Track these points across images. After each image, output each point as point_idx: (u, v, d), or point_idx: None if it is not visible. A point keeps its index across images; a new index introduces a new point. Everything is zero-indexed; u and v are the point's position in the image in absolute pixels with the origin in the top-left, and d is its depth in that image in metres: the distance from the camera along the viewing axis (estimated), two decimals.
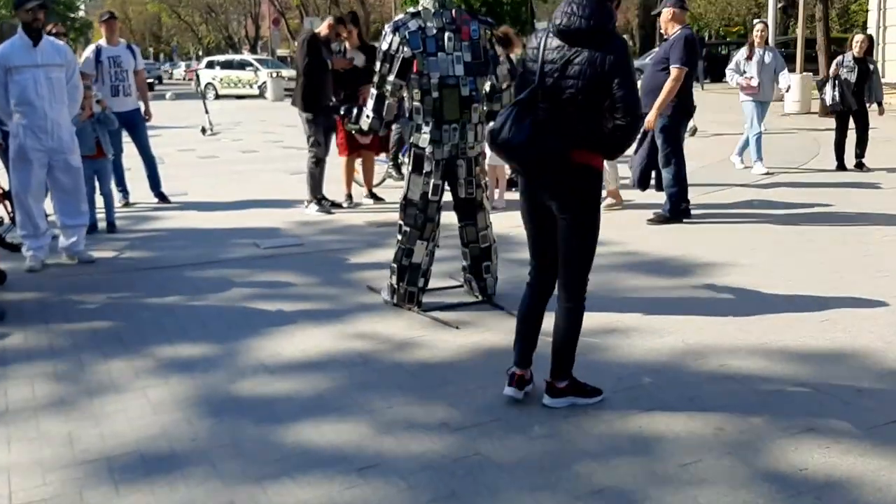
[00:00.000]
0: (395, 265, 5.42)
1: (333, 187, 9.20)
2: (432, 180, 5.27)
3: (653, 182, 8.25)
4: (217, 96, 34.35)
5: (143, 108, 9.62)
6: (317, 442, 3.62)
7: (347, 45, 9.06)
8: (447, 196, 5.40)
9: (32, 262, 6.57)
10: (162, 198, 9.67)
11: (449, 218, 5.56)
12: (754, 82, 10.64)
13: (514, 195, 9.17)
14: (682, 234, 7.42)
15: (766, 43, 11.12)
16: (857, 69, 10.73)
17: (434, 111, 5.16)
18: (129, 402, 4.07)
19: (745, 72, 10.74)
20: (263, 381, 4.30)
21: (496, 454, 3.47)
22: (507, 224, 7.26)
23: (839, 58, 11.19)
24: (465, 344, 4.77)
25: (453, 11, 5.22)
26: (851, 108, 10.75)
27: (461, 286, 5.84)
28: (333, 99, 8.60)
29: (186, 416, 3.91)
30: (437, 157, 5.24)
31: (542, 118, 3.62)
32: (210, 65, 37.32)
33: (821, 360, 4.43)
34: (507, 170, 9.40)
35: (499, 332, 4.95)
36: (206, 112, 18.27)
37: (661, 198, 8.08)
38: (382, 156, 10.25)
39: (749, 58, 10.76)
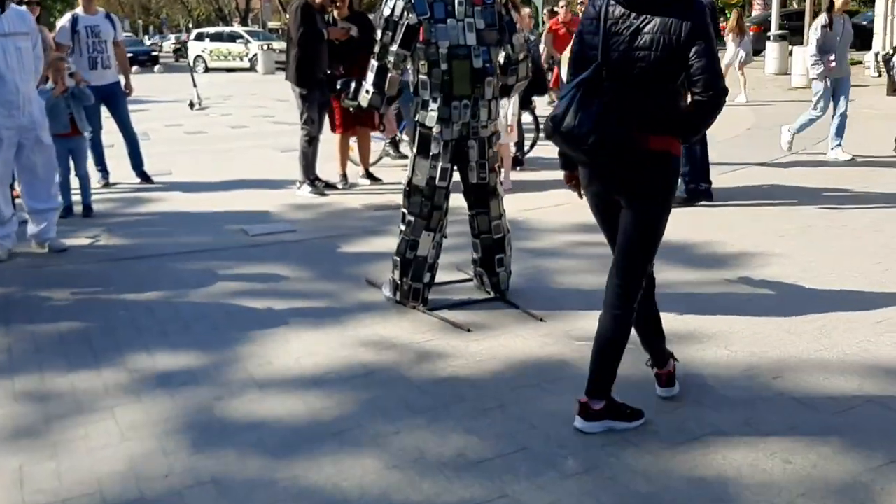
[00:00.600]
0: (397, 258, 4.85)
1: (327, 166, 8.61)
2: (440, 163, 4.69)
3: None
4: (206, 69, 33.59)
5: (123, 82, 9.00)
6: (313, 480, 3.06)
7: (336, 14, 8.42)
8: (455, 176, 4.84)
9: None
10: (144, 178, 9.05)
11: (456, 201, 4.97)
12: (832, 60, 9.04)
13: (520, 175, 8.71)
14: (701, 218, 6.82)
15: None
16: None
17: (443, 85, 4.57)
18: (95, 425, 3.51)
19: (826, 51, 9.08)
20: (252, 398, 3.74)
21: (525, 496, 2.92)
22: (517, 207, 6.71)
23: None
24: (479, 351, 4.22)
25: None
26: None
27: (470, 280, 5.28)
28: (328, 71, 7.98)
29: (160, 444, 3.34)
30: (445, 137, 4.66)
31: (609, 99, 3.10)
32: (199, 37, 36.47)
33: (887, 371, 3.88)
34: (512, 147, 8.82)
35: (516, 335, 4.40)
36: (195, 86, 17.55)
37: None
38: (378, 132, 9.64)
39: (829, 26, 9.04)
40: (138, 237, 6.69)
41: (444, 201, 4.80)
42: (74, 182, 7.47)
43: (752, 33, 20.18)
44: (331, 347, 4.29)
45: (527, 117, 9.56)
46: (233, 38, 35.78)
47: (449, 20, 4.55)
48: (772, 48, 22.38)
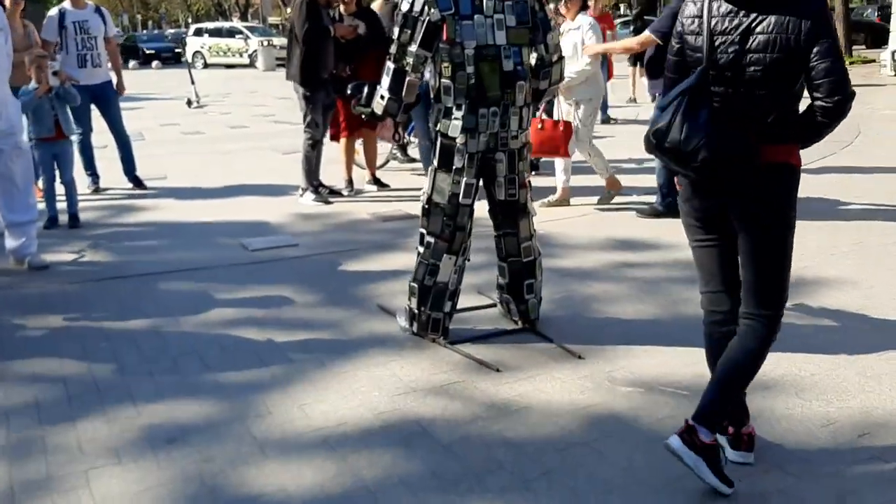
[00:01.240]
0: (415, 285, 4.29)
1: (332, 168, 8.05)
2: (464, 178, 4.14)
3: None
4: (206, 65, 33.02)
5: (115, 81, 8.43)
6: None
7: (342, 9, 7.86)
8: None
9: None
10: (137, 183, 8.49)
11: (477, 210, 4.41)
12: None
13: (537, 180, 8.07)
14: None
15: None
16: None
17: (469, 91, 4.01)
18: (65, 496, 2.95)
19: None
20: (249, 460, 3.18)
21: None
22: (537, 218, 6.11)
23: None
24: (512, 398, 3.65)
25: None
26: None
27: (494, 305, 4.73)
28: (334, 71, 7.42)
29: None
30: (470, 149, 4.10)
31: (718, 108, 2.72)
32: (198, 32, 35.86)
33: None
34: None
35: (552, 377, 3.85)
36: (192, 83, 17.01)
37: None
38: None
39: None
40: (127, 252, 6.13)
41: (467, 221, 4.24)
42: (60, 189, 6.91)
43: None
44: (340, 393, 3.73)
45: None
46: (232, 33, 35.17)
47: (476, 17, 3.98)
48: None
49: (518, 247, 4.37)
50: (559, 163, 7.13)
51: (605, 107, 11.69)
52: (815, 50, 2.61)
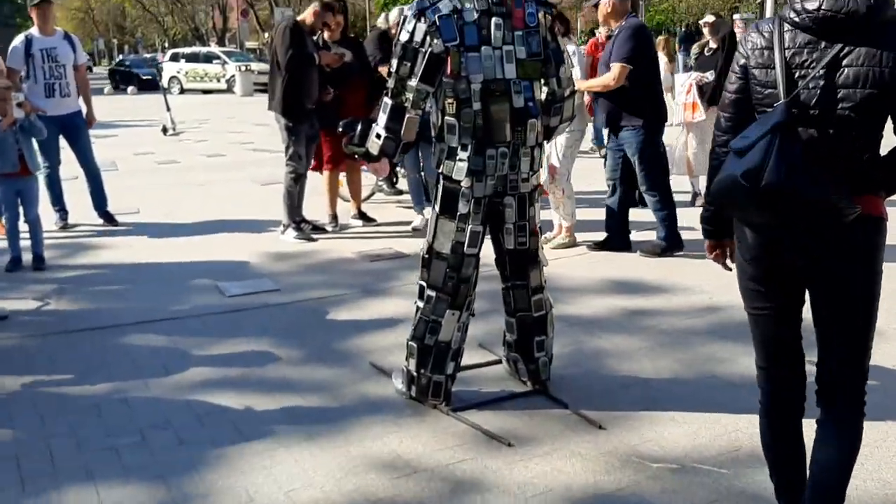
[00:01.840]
0: (413, 344, 3.84)
1: (314, 201, 7.61)
2: (469, 226, 3.71)
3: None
4: (182, 90, 32.49)
5: (84, 111, 7.96)
6: None
7: (327, 36, 7.45)
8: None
9: None
10: (108, 218, 7.99)
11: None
12: None
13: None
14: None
15: None
16: None
17: (475, 130, 3.60)
18: None
19: None
20: None
21: None
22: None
23: None
24: (529, 480, 3.21)
25: None
26: None
27: (499, 362, 4.30)
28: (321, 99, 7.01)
29: None
30: (477, 193, 3.68)
31: (808, 148, 2.35)
32: (175, 57, 35.29)
33: None
34: None
35: (570, 451, 3.41)
36: (168, 109, 16.50)
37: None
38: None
39: None
40: (95, 299, 5.63)
41: (472, 272, 3.81)
42: (24, 227, 6.42)
43: None
44: (331, 475, 3.27)
45: None
46: (209, 58, 34.61)
47: (483, 48, 3.57)
48: None
49: (528, 300, 3.94)
50: (552, 200, 6.70)
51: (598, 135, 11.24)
52: None
